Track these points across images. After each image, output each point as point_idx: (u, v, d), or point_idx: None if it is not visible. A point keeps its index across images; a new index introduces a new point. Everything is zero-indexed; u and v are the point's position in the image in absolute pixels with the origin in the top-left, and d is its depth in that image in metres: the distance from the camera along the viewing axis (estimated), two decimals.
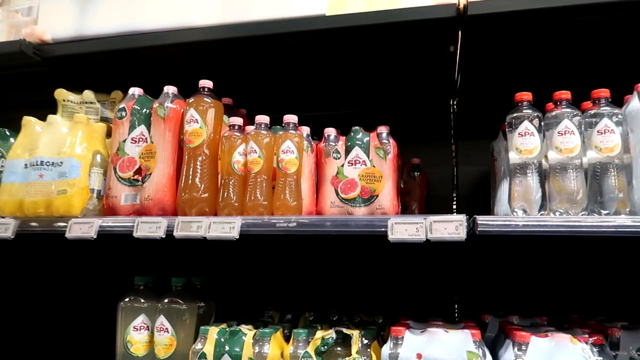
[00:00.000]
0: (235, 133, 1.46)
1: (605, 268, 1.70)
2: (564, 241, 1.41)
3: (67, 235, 1.38)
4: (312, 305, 1.74)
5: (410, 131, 1.78)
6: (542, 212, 1.27)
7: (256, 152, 1.41)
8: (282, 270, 1.95)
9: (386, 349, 1.24)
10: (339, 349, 1.30)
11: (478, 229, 1.23)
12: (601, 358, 1.17)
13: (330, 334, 1.29)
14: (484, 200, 1.69)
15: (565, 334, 1.20)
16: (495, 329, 1.46)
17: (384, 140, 1.49)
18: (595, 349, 1.17)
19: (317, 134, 1.62)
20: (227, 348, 1.27)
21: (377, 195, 1.46)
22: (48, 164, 1.46)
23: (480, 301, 1.76)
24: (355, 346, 1.27)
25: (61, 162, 1.46)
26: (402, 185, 1.82)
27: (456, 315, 1.82)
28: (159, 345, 1.35)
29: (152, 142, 1.48)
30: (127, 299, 1.41)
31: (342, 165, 1.50)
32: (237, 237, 1.31)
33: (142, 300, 1.41)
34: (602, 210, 1.24)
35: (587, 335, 1.22)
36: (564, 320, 1.45)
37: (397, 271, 1.88)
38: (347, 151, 1.51)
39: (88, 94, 1.74)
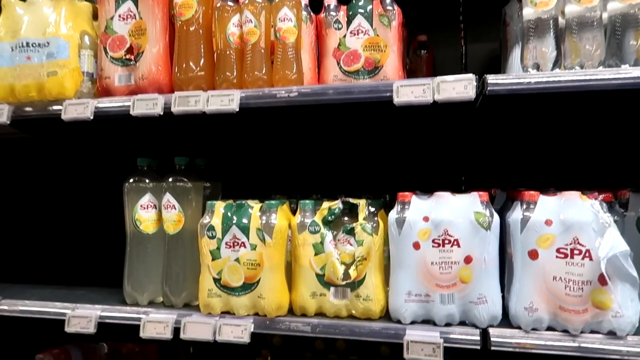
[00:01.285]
0: (229, 3, 1.36)
1: (619, 136, 1.66)
2: (578, 102, 1.35)
3: (63, 117, 1.35)
4: (319, 188, 1.74)
5: (417, 10, 1.66)
6: (556, 69, 1.20)
7: (252, 22, 1.32)
8: (287, 153, 1.94)
9: (393, 213, 1.23)
10: (346, 218, 1.30)
11: (488, 89, 1.17)
12: (609, 214, 1.14)
13: (337, 203, 1.28)
14: None
15: (575, 192, 1.18)
16: (503, 201, 1.45)
17: (388, 7, 1.40)
18: (604, 205, 1.16)
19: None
20: (234, 220, 1.28)
21: (382, 66, 1.39)
22: (34, 45, 1.39)
23: (488, 180, 1.74)
24: (362, 214, 1.27)
25: (48, 43, 1.39)
26: (407, 66, 1.74)
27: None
28: (167, 221, 1.36)
29: (142, 19, 1.40)
30: (131, 180, 1.40)
31: (344, 36, 1.41)
32: (237, 110, 1.27)
33: (147, 180, 1.40)
34: (620, 64, 1.18)
35: (596, 193, 1.20)
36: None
37: (404, 151, 1.85)
38: (349, 21, 1.42)
39: None
